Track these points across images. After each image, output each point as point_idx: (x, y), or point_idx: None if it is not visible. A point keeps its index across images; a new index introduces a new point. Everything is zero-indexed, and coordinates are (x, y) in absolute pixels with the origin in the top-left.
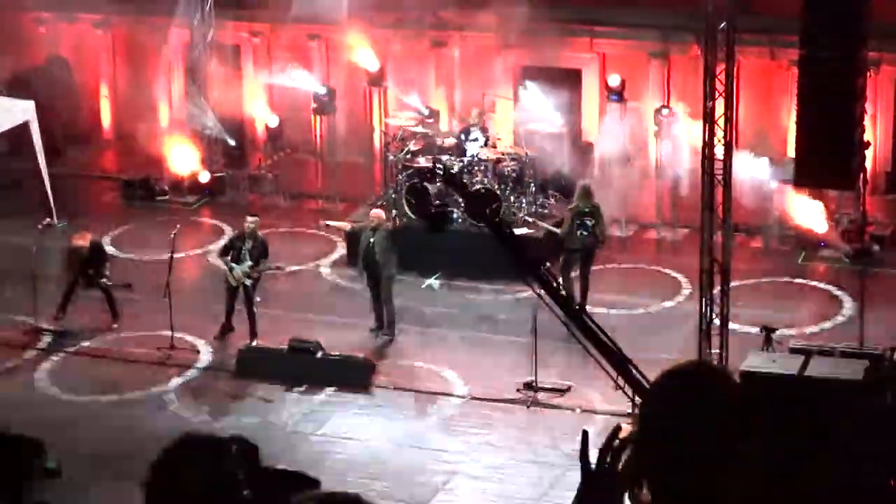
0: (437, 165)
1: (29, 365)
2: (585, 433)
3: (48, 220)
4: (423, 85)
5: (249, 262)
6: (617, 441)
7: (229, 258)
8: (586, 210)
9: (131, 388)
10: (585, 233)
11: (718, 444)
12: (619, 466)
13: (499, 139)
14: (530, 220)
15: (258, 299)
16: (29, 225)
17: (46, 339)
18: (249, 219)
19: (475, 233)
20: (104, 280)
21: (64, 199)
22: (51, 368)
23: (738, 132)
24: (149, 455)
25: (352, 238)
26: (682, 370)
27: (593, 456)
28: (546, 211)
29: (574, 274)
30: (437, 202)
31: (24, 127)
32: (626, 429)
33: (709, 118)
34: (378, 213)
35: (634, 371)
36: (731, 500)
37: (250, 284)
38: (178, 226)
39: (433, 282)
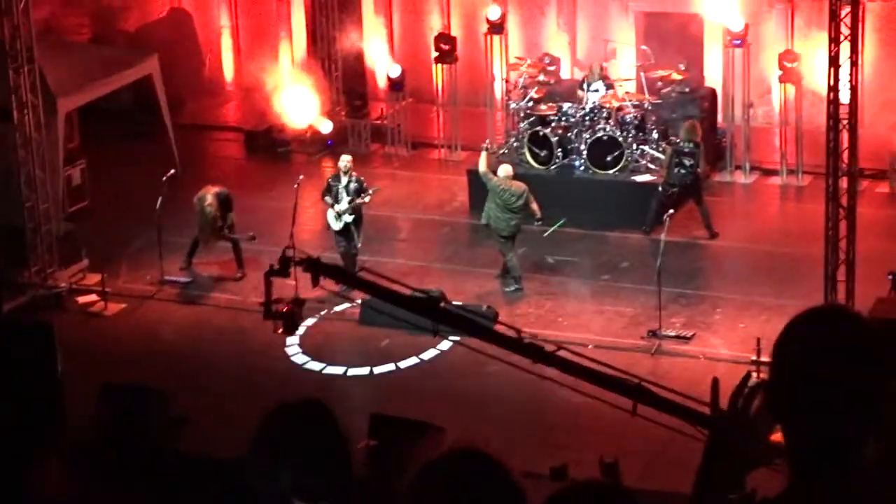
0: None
1: (155, 315)
2: (716, 380)
3: (173, 171)
4: (545, 32)
5: (347, 198)
6: (747, 388)
7: (329, 199)
8: (685, 149)
9: (256, 336)
10: (682, 170)
11: (856, 387)
12: (751, 413)
13: (620, 86)
14: (653, 167)
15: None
16: (155, 177)
17: (173, 290)
18: (344, 157)
19: (599, 180)
20: (228, 230)
21: (187, 151)
22: (177, 319)
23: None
24: (270, 404)
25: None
26: (816, 313)
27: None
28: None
29: (670, 213)
30: None
31: (148, 80)
32: (756, 377)
33: (834, 62)
34: (507, 168)
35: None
36: (870, 444)
37: (352, 221)
38: (301, 176)
39: (554, 228)
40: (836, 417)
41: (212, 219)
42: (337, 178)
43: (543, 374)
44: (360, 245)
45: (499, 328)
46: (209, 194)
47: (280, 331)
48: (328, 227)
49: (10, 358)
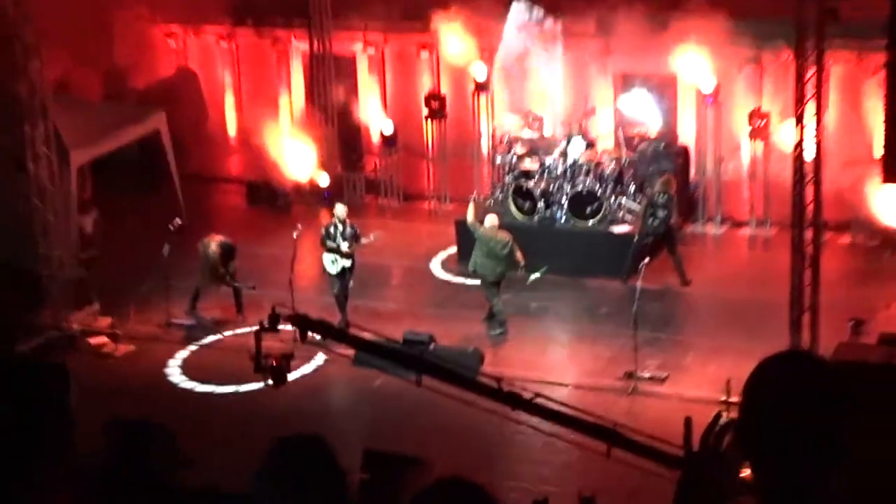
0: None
1: (162, 357)
2: (688, 419)
3: (178, 220)
4: (528, 90)
5: (345, 243)
6: (718, 427)
7: (330, 243)
8: (659, 201)
9: (256, 379)
10: (656, 221)
11: (819, 427)
12: (722, 451)
13: (597, 141)
14: (630, 217)
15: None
16: (162, 225)
17: (179, 333)
18: (339, 206)
19: (579, 231)
20: (230, 278)
21: (193, 202)
22: (183, 361)
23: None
24: (270, 440)
25: (466, 232)
26: (781, 358)
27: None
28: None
29: (645, 262)
30: None
31: (156, 135)
32: (725, 416)
33: (799, 121)
34: (493, 219)
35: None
36: (834, 482)
37: (349, 267)
38: (300, 226)
39: (537, 275)
40: (801, 456)
41: (213, 265)
42: (334, 225)
43: (519, 419)
44: (351, 286)
45: (480, 378)
46: (213, 242)
47: (269, 384)
48: (324, 270)
49: (28, 394)
